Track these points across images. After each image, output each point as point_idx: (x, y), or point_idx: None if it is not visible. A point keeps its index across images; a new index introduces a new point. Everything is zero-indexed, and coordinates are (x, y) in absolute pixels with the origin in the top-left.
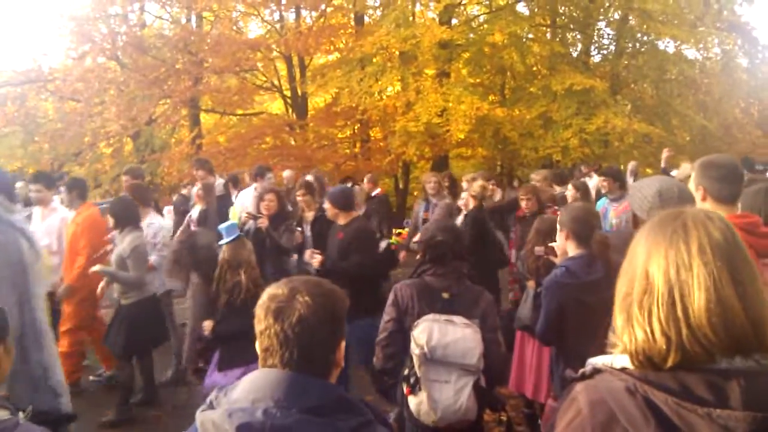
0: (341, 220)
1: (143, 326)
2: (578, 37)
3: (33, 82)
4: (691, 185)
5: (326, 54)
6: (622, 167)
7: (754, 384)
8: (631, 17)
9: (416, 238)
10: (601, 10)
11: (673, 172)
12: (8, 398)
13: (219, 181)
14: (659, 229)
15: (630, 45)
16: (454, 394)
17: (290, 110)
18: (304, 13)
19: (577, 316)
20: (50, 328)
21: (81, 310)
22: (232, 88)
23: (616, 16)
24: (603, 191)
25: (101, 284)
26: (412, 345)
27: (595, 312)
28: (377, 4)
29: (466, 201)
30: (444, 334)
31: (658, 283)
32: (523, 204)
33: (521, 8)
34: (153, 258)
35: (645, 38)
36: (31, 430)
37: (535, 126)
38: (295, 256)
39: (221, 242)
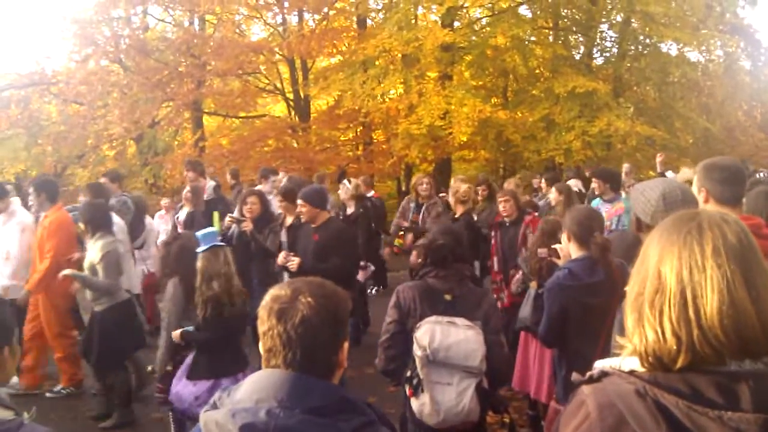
0: (316, 222)
1: (117, 333)
2: (581, 39)
3: (36, 85)
4: (694, 188)
5: (329, 57)
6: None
7: (763, 386)
8: (633, 20)
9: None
10: (604, 12)
11: (668, 173)
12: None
13: (210, 184)
14: (673, 230)
15: (632, 47)
16: (456, 396)
17: (293, 113)
18: (306, 16)
19: (580, 318)
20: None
21: (59, 313)
22: (235, 91)
23: (619, 19)
24: (596, 192)
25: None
26: (415, 347)
27: (597, 314)
28: (380, 7)
29: (454, 205)
30: (446, 335)
31: (670, 284)
32: (501, 207)
33: (524, 11)
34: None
35: (647, 41)
36: (36, 430)
37: (538, 128)
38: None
39: (197, 250)
